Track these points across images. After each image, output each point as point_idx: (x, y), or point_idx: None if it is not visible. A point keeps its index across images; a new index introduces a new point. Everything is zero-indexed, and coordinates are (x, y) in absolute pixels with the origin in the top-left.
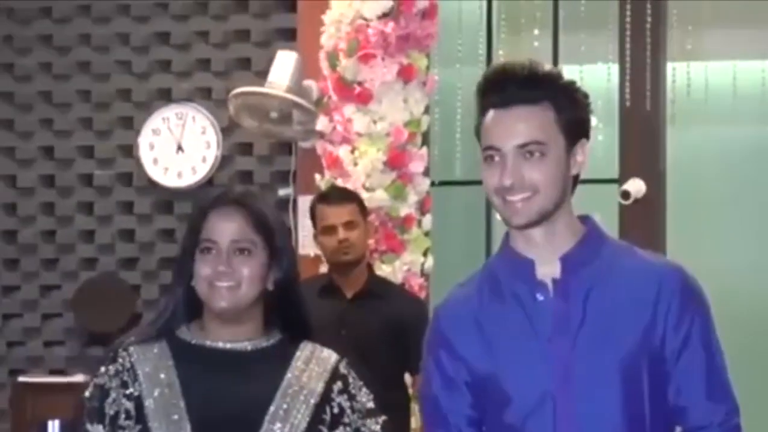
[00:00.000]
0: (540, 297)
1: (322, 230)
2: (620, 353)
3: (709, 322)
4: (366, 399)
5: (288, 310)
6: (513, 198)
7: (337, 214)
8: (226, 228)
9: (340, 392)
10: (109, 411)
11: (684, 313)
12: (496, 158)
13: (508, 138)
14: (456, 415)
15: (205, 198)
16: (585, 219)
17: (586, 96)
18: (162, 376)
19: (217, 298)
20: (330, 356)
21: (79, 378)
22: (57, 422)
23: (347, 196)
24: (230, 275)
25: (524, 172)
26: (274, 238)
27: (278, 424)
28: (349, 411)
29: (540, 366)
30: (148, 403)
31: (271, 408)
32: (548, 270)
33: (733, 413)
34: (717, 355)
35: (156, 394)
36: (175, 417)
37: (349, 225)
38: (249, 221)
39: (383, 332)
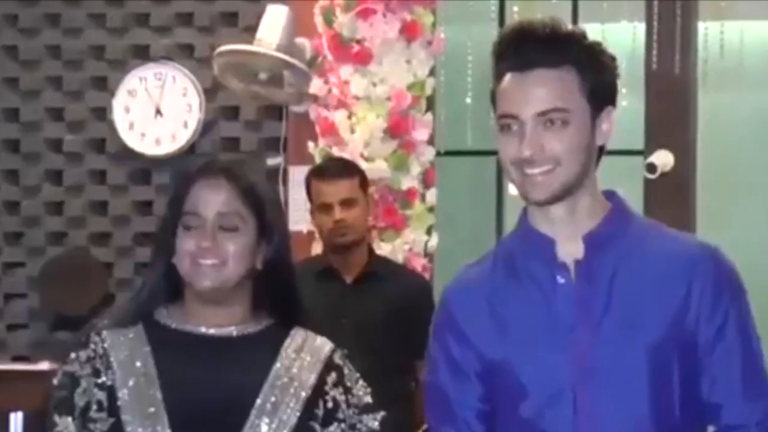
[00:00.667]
0: (561, 279)
1: (318, 208)
2: (648, 342)
3: (746, 311)
4: (363, 393)
5: (279, 292)
6: (532, 171)
7: (334, 191)
8: (211, 200)
9: (335, 385)
10: (79, 402)
11: (719, 301)
12: (514, 127)
13: (527, 105)
14: (464, 408)
15: (188, 167)
16: (610, 195)
17: (613, 59)
18: (138, 364)
19: (200, 276)
20: (324, 345)
21: (44, 365)
22: (20, 414)
23: (346, 170)
24: (215, 252)
25: (545, 142)
26: (265, 211)
27: (265, 419)
28: (344, 405)
29: (559, 355)
30: (122, 393)
31: (258, 401)
32: (570, 250)
33: None
34: (755, 347)
35: (131, 383)
36: (152, 410)
37: (346, 203)
38: (237, 193)
39: (387, 318)
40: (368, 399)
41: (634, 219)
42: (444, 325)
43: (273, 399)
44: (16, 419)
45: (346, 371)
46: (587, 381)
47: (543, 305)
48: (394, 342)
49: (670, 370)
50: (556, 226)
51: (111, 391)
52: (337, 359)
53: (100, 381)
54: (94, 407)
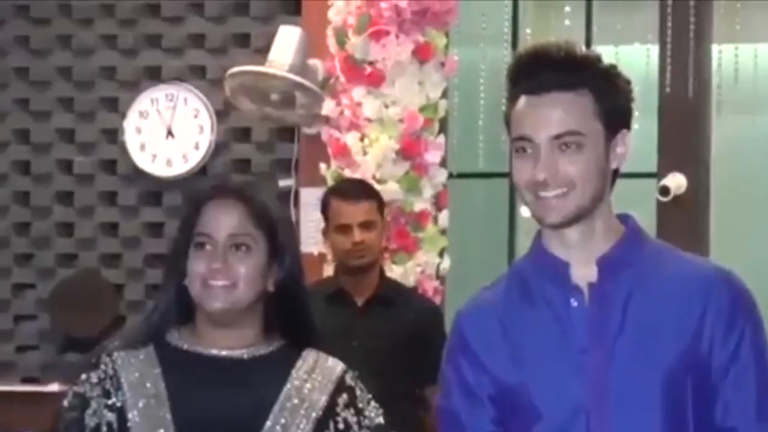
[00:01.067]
0: (574, 303)
1: (336, 228)
2: (662, 366)
3: (762, 334)
4: (375, 414)
5: (290, 313)
6: (547, 194)
7: (354, 212)
8: (223, 221)
9: (346, 406)
10: (90, 423)
11: (734, 324)
12: (528, 150)
13: (542, 128)
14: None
15: (200, 188)
16: (625, 218)
17: (628, 82)
18: (148, 385)
19: (210, 298)
20: (335, 365)
21: (54, 387)
22: None
23: (366, 192)
24: (226, 273)
25: (559, 165)
26: (277, 233)
27: None
28: (356, 427)
29: (573, 379)
30: (132, 415)
31: (268, 423)
32: (584, 273)
33: None
34: None
35: (141, 404)
36: (161, 431)
37: (365, 225)
38: (249, 214)
39: (397, 342)
40: (380, 420)
41: (648, 242)
42: (457, 349)
43: (283, 421)
44: None
45: (358, 392)
46: (601, 404)
47: (557, 328)
48: (404, 367)
49: (684, 394)
50: (571, 249)
51: (121, 413)
52: (349, 380)
53: (110, 402)
54: (104, 429)
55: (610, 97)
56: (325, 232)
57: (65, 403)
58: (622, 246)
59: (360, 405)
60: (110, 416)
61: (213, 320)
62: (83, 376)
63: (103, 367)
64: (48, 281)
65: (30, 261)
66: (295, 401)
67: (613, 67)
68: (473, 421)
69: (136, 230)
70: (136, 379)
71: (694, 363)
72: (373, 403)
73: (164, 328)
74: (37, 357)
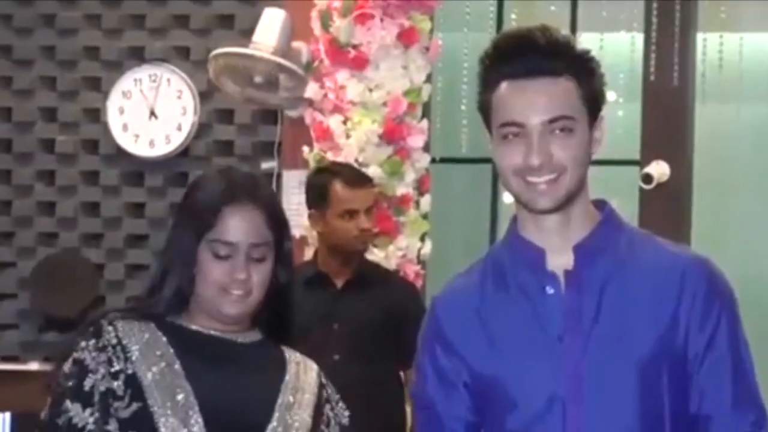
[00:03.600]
0: (550, 290)
1: (341, 214)
2: (638, 354)
3: (737, 322)
4: (341, 414)
5: (278, 310)
6: (538, 179)
7: (363, 198)
8: (244, 229)
9: (326, 401)
10: (91, 390)
11: (709, 312)
12: (517, 135)
13: (533, 113)
14: (453, 420)
15: (211, 187)
16: (601, 204)
17: (600, 65)
18: (158, 353)
19: (227, 305)
20: (312, 365)
21: (34, 366)
22: (8, 415)
23: (369, 178)
24: (246, 283)
25: (553, 150)
26: (286, 237)
27: (288, 415)
28: (333, 422)
29: (548, 367)
30: (146, 381)
31: (280, 399)
32: (560, 260)
33: (761, 422)
34: (745, 359)
35: (155, 370)
36: (180, 397)
37: (370, 212)
38: (266, 220)
39: (377, 323)
40: (346, 421)
41: (625, 229)
42: (432, 336)
43: (291, 399)
44: (3, 419)
45: (329, 390)
46: (576, 393)
47: (532, 316)
48: (386, 348)
49: (660, 382)
50: (548, 235)
51: (130, 379)
52: (323, 379)
53: (114, 370)
54: (110, 398)
55: (590, 81)
56: (315, 216)
57: (65, 369)
58: (598, 233)
59: (333, 403)
60: (115, 384)
61: (219, 320)
62: (83, 344)
63: (105, 335)
64: (28, 260)
65: (11, 240)
66: (297, 385)
67: (588, 51)
68: (448, 408)
69: (118, 210)
70: (144, 346)
71: (669, 351)
72: (341, 403)
73: (165, 316)
74: (17, 336)
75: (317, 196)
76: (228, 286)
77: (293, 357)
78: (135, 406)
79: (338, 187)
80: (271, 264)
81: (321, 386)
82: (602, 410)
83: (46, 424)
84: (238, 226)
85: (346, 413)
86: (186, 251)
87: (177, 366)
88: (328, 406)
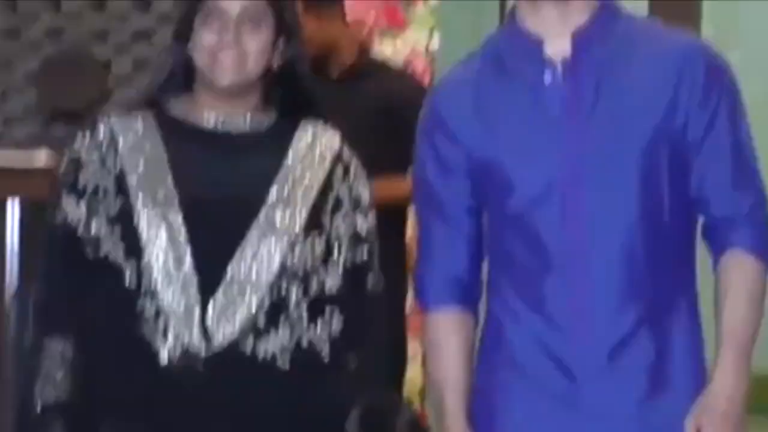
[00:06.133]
0: (548, 77)
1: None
2: (637, 138)
3: (738, 105)
4: (362, 189)
5: (291, 87)
6: None
7: None
8: None
9: (342, 180)
10: (85, 185)
11: (710, 92)
12: None
13: None
14: (453, 205)
15: None
16: None
17: None
18: (147, 147)
19: (220, 71)
20: (334, 137)
21: (41, 157)
22: (17, 200)
23: None
24: (237, 46)
25: None
26: (285, 9)
27: (279, 210)
28: (346, 202)
29: (546, 152)
30: (131, 177)
31: (272, 191)
32: (558, 48)
33: (761, 205)
34: (745, 141)
35: (140, 166)
36: (161, 193)
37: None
38: None
39: (376, 118)
40: (366, 196)
41: (624, 16)
42: (431, 123)
43: (285, 191)
44: (12, 205)
45: (352, 167)
46: (575, 177)
47: (531, 102)
48: (387, 145)
49: (659, 167)
50: (546, 23)
51: (119, 178)
52: (347, 153)
53: (106, 166)
54: (101, 193)
55: None
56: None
57: (62, 166)
58: (596, 20)
59: (352, 179)
60: (106, 180)
61: (217, 93)
62: (78, 139)
63: (100, 130)
64: (35, 56)
65: (18, 35)
66: (297, 173)
67: None
68: (448, 191)
69: (125, 5)
70: (135, 142)
71: (669, 136)
72: (363, 179)
73: (165, 94)
74: (25, 130)
75: None
76: (217, 49)
77: (304, 136)
78: (120, 202)
79: None
80: (268, 34)
81: (335, 162)
82: (601, 194)
83: (48, 223)
84: None
85: (366, 190)
86: (183, 20)
87: (164, 161)
88: (344, 185)
